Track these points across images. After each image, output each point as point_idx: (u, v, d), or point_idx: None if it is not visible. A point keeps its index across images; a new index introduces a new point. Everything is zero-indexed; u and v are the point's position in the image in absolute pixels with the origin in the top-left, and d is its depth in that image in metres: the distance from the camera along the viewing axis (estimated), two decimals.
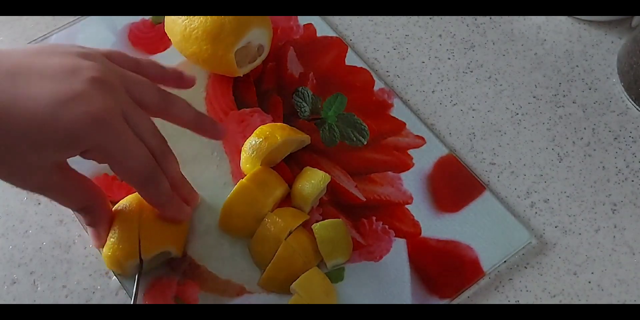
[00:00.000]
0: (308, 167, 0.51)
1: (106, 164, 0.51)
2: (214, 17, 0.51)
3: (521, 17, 0.60)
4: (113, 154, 0.41)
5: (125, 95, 0.42)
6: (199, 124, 0.46)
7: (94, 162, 0.47)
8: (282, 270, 0.47)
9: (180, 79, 0.48)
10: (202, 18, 0.51)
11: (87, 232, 0.48)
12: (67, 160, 0.42)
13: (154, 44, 0.58)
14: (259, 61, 0.55)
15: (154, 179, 0.43)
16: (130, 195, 0.48)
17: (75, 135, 0.38)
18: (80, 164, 0.52)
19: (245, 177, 0.49)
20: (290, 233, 0.48)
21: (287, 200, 0.51)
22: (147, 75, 0.45)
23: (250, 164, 0.50)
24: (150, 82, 0.44)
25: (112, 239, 0.46)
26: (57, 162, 0.41)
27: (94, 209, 0.45)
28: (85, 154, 0.41)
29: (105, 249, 0.46)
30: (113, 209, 0.47)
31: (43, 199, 0.52)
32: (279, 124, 0.52)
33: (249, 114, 0.54)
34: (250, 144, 0.50)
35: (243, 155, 0.51)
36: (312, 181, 0.49)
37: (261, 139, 0.50)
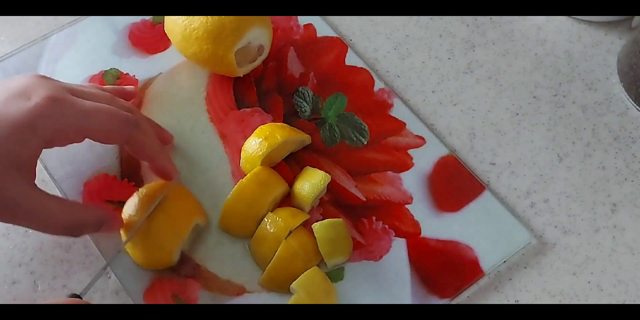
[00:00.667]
0: (308, 166, 0.51)
1: (107, 164, 0.51)
2: (214, 17, 0.51)
3: (521, 17, 0.60)
4: (80, 123, 0.40)
5: (66, 88, 0.42)
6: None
7: (93, 162, 0.48)
8: (282, 269, 0.47)
9: (123, 92, 0.50)
10: (202, 18, 0.51)
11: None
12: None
13: (154, 44, 0.58)
14: (259, 61, 0.55)
15: (135, 122, 0.43)
16: (131, 198, 0.48)
17: (27, 124, 0.38)
18: (80, 164, 0.52)
19: (245, 177, 0.49)
20: (290, 233, 0.48)
21: (287, 200, 0.51)
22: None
23: (250, 164, 0.50)
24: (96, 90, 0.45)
25: (143, 241, 0.46)
26: (19, 167, 0.39)
27: (88, 224, 0.44)
28: (54, 141, 0.40)
29: (139, 251, 0.46)
30: (124, 210, 0.48)
31: None
32: (279, 123, 0.52)
33: (249, 113, 0.54)
34: (250, 144, 0.50)
35: (243, 155, 0.51)
36: (312, 181, 0.49)
37: (261, 139, 0.50)
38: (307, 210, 0.50)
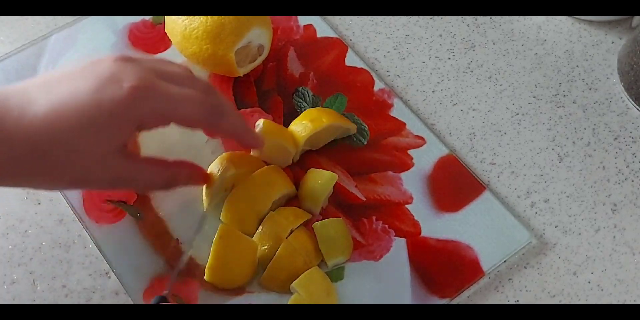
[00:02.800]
0: (312, 168, 0.51)
1: None
2: (214, 17, 0.51)
3: (521, 17, 0.60)
4: (168, 111, 0.41)
5: (154, 70, 0.43)
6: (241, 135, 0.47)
7: None
8: (283, 269, 0.47)
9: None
10: (202, 18, 0.51)
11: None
12: None
13: (154, 44, 0.58)
14: (259, 61, 0.55)
15: (220, 111, 0.44)
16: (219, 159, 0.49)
17: (123, 110, 0.39)
18: None
19: (253, 174, 0.49)
20: (291, 232, 0.48)
21: (292, 203, 0.51)
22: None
23: (293, 144, 0.51)
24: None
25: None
26: (120, 149, 0.41)
27: (177, 180, 0.46)
28: (144, 126, 0.41)
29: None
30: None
31: (43, 199, 0.52)
32: (327, 109, 0.53)
33: (249, 113, 0.54)
34: (296, 125, 0.51)
35: (288, 134, 0.51)
36: (320, 181, 0.49)
37: (307, 121, 0.50)
38: (318, 212, 0.50)
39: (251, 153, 0.51)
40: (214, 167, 0.49)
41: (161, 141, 0.53)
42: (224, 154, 0.50)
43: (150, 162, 0.45)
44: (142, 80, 0.40)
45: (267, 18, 0.54)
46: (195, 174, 0.48)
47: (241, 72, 0.54)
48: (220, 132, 0.46)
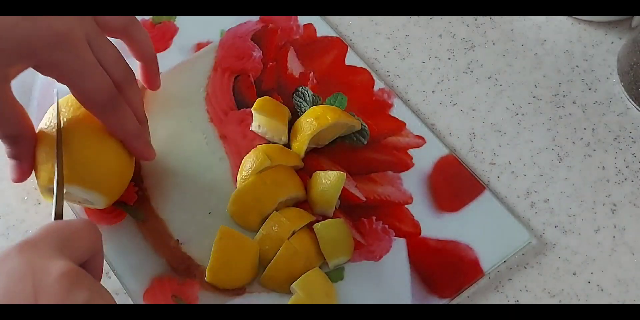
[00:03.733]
0: (318, 171, 0.51)
1: None
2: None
3: (521, 17, 0.60)
4: (69, 74, 0.41)
5: (92, 21, 0.43)
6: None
7: None
8: (283, 270, 0.47)
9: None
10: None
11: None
12: None
13: (154, 44, 0.58)
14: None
15: (115, 107, 0.43)
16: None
17: (32, 46, 0.39)
18: None
19: (264, 173, 0.49)
20: (293, 233, 0.48)
21: (301, 207, 0.51)
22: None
23: (298, 143, 0.51)
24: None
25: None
26: (6, 75, 0.41)
27: (22, 139, 0.45)
28: (40, 69, 0.41)
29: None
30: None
31: (43, 199, 0.52)
32: (331, 106, 0.53)
33: (249, 113, 0.54)
34: (301, 123, 0.51)
35: (293, 133, 0.52)
36: (329, 182, 0.49)
37: (312, 119, 0.50)
38: (332, 214, 0.50)
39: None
40: (248, 160, 0.50)
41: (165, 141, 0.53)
42: (258, 146, 0.51)
43: (18, 104, 0.44)
44: (70, 29, 0.41)
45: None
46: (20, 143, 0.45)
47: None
48: (109, 126, 0.45)
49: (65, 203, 0.51)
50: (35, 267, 0.33)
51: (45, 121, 0.47)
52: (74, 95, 0.43)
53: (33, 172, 0.47)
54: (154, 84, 0.51)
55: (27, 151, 0.45)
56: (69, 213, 0.51)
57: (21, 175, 0.46)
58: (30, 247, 0.35)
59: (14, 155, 0.45)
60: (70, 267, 0.35)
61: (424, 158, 0.53)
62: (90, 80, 0.42)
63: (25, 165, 0.46)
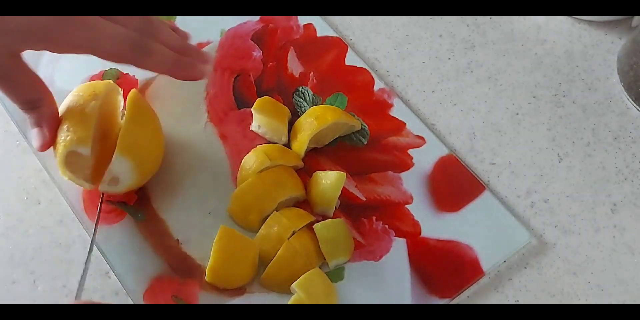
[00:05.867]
0: (318, 171, 0.51)
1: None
2: None
3: (521, 17, 0.60)
4: (84, 43, 0.42)
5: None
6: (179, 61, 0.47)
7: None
8: (283, 270, 0.47)
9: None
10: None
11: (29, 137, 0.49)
12: None
13: None
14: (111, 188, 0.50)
15: (146, 50, 0.44)
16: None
17: (40, 24, 0.41)
18: None
19: (265, 172, 0.49)
20: (293, 233, 0.48)
21: (301, 207, 0.51)
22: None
23: (298, 143, 0.51)
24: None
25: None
26: (14, 51, 0.43)
27: (42, 104, 0.46)
28: (53, 46, 0.43)
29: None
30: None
31: (43, 199, 0.52)
32: (331, 106, 0.53)
33: (249, 113, 0.54)
34: (301, 123, 0.51)
35: (293, 134, 0.52)
36: (329, 182, 0.49)
37: (312, 119, 0.51)
38: (332, 214, 0.50)
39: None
40: (248, 160, 0.50)
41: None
42: (258, 146, 0.51)
43: (31, 71, 0.45)
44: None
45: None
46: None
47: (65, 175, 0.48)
48: (149, 68, 0.46)
49: (65, 202, 0.51)
50: None
51: (70, 100, 0.48)
52: (101, 58, 0.44)
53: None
54: (196, 78, 0.49)
55: (48, 116, 0.47)
56: (69, 213, 0.51)
57: (44, 143, 0.47)
58: None
59: (36, 122, 0.46)
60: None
61: (424, 158, 0.53)
62: (107, 40, 0.43)
63: (47, 132, 0.47)
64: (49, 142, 0.47)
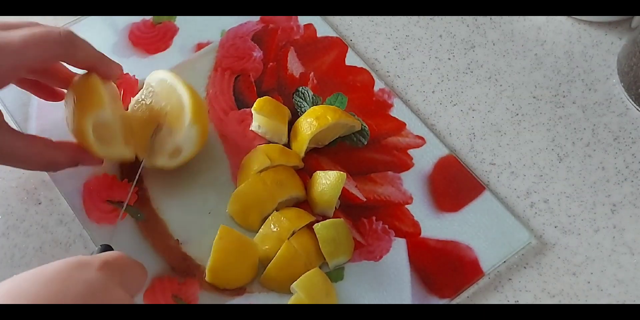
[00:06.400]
0: (318, 171, 0.51)
1: (107, 164, 0.51)
2: None
3: (521, 18, 0.60)
4: (16, 64, 0.42)
5: None
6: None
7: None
8: (283, 270, 0.47)
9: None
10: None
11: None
12: None
13: (155, 44, 0.58)
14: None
15: (74, 43, 0.44)
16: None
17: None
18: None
19: (263, 173, 0.49)
20: (293, 233, 0.48)
21: (301, 207, 0.51)
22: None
23: (299, 143, 0.51)
24: None
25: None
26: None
27: (61, 159, 0.47)
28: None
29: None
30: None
31: (43, 199, 0.52)
32: (331, 106, 0.53)
33: (249, 113, 0.54)
34: (302, 123, 0.51)
35: (293, 133, 0.52)
36: (329, 182, 0.49)
37: (312, 119, 0.51)
38: (332, 214, 0.50)
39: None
40: (248, 160, 0.50)
41: None
42: (259, 146, 0.51)
43: (31, 138, 0.46)
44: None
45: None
46: (82, 159, 0.48)
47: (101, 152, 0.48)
48: (75, 62, 0.46)
49: (65, 202, 0.51)
50: (107, 289, 0.37)
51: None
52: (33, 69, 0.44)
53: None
54: (115, 76, 0.50)
55: (70, 158, 0.48)
56: (69, 213, 0.51)
57: (94, 162, 0.49)
58: (109, 270, 0.38)
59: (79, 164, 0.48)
60: (129, 300, 0.39)
61: (424, 158, 0.53)
62: (31, 49, 0.42)
63: (90, 162, 0.49)
64: (100, 161, 0.49)
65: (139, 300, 0.47)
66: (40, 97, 0.52)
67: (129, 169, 0.52)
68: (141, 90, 0.52)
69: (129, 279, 0.40)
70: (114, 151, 0.48)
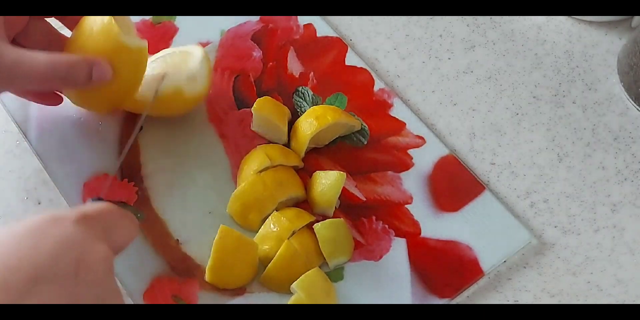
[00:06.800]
0: (318, 171, 0.51)
1: (107, 164, 0.51)
2: None
3: (521, 17, 0.60)
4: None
5: None
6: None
7: (93, 162, 0.47)
8: (283, 270, 0.47)
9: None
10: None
11: None
12: None
13: (154, 44, 0.58)
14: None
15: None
16: None
17: None
18: (80, 164, 0.52)
19: (263, 173, 0.49)
20: (293, 233, 0.48)
21: (301, 207, 0.51)
22: None
23: (299, 143, 0.51)
24: None
25: None
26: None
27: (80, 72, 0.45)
28: None
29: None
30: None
31: (43, 199, 0.52)
32: (331, 106, 0.53)
33: (249, 113, 0.54)
34: (302, 123, 0.51)
35: (293, 133, 0.52)
36: (329, 182, 0.49)
37: (312, 119, 0.51)
38: (332, 214, 0.50)
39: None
40: (249, 160, 0.50)
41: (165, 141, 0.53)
42: (259, 146, 0.51)
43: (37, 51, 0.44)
44: None
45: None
46: (98, 66, 0.45)
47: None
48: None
49: (65, 202, 0.51)
50: (84, 243, 0.34)
51: None
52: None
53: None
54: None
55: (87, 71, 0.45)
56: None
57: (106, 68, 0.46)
58: (87, 223, 0.35)
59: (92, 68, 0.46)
60: (110, 254, 0.36)
61: (424, 158, 0.53)
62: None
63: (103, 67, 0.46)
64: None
65: (139, 300, 0.47)
66: (40, 103, 0.52)
67: (129, 169, 0.52)
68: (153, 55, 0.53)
69: (113, 231, 0.37)
70: (133, 41, 0.47)
